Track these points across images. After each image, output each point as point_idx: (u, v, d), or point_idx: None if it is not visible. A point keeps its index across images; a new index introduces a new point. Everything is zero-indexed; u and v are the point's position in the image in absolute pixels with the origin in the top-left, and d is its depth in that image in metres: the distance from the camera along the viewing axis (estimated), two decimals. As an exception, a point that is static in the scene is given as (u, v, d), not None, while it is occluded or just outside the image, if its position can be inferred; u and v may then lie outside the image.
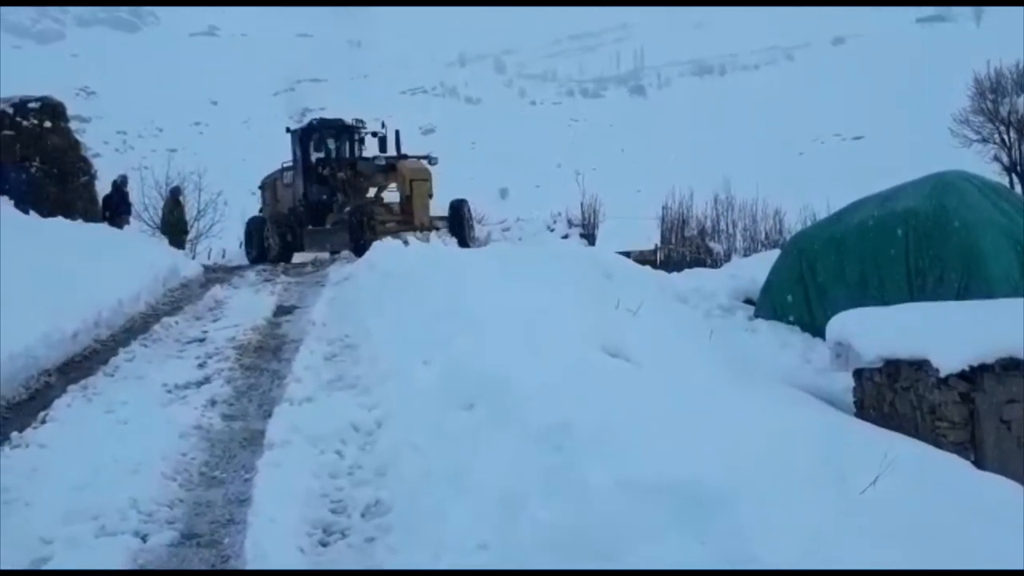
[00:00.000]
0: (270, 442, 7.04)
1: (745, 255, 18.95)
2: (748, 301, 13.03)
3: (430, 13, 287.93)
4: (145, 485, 6.29)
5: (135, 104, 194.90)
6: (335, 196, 22.00)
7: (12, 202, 19.83)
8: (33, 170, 22.81)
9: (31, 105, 24.89)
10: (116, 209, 24.08)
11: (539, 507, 4.87)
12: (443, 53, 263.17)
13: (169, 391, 8.92)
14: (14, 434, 7.42)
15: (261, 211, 25.02)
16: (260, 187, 25.74)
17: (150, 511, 5.95)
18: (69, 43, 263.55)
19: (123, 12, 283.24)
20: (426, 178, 21.04)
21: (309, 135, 23.14)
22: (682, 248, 21.15)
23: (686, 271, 15.75)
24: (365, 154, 23.26)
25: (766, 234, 21.27)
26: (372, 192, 22.24)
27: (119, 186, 24.87)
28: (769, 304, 12.49)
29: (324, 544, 5.54)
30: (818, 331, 10.84)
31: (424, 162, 21.76)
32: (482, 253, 14.86)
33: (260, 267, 20.10)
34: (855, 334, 9.00)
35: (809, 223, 17.36)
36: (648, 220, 22.67)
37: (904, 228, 10.83)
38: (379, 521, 5.70)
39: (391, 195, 21.83)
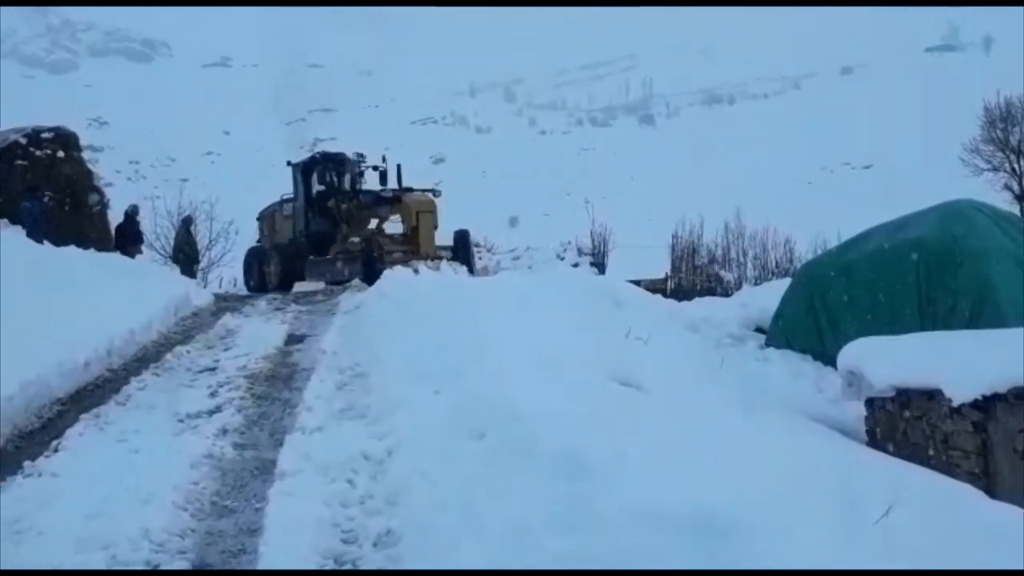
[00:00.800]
0: (281, 471, 7.03)
1: (756, 284, 18.95)
2: (759, 330, 13.01)
3: (441, 43, 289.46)
4: (157, 514, 6.27)
5: (147, 134, 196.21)
6: (338, 227, 22.29)
7: (24, 231, 19.98)
8: (46, 199, 22.94)
9: (44, 135, 25.07)
10: (129, 238, 24.20)
11: (551, 537, 4.86)
12: (453, 83, 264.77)
13: (181, 420, 8.91)
14: (27, 463, 7.43)
15: (259, 242, 25.43)
16: (258, 219, 26.12)
17: (161, 541, 5.94)
18: (82, 73, 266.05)
19: (136, 43, 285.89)
20: (432, 209, 21.36)
21: (311, 168, 23.50)
22: (692, 277, 21.15)
23: (696, 300, 15.76)
24: (365, 187, 23.47)
25: (777, 263, 21.27)
26: (374, 223, 22.64)
27: (131, 215, 25.01)
28: (780, 333, 12.47)
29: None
30: (830, 360, 10.80)
31: (429, 194, 22.03)
32: (493, 282, 14.87)
33: (271, 296, 20.08)
34: (867, 363, 8.97)
35: (820, 252, 17.35)
36: (658, 249, 22.69)
37: (915, 257, 10.82)
38: (390, 551, 5.68)
39: (393, 226, 22.25)
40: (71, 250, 17.14)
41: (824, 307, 11.88)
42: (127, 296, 14.04)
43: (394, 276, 15.81)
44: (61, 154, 24.95)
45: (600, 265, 22.93)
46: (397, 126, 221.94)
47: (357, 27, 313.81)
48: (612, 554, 4.56)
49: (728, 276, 20.95)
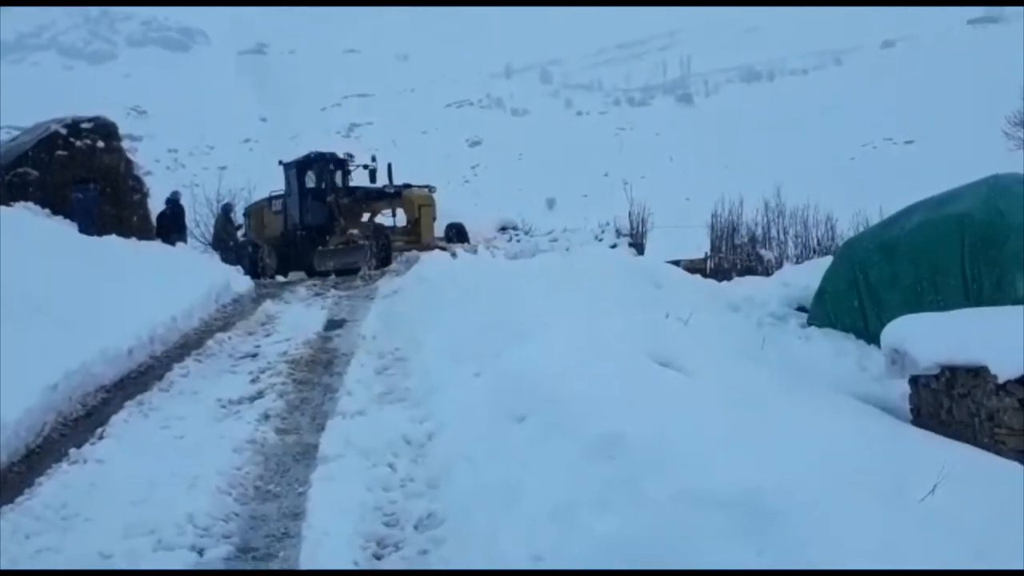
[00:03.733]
0: (323, 455, 7.07)
1: (797, 262, 18.71)
2: (801, 309, 12.87)
3: (476, 25, 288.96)
4: (201, 499, 6.34)
5: (186, 122, 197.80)
6: (335, 221, 24.06)
7: (75, 223, 20.23)
8: (96, 190, 23.20)
9: (84, 125, 25.28)
10: (170, 226, 24.43)
11: (594, 519, 4.84)
12: (489, 65, 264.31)
13: (223, 406, 9.01)
14: (72, 450, 7.54)
15: (245, 235, 26.70)
16: (245, 214, 27.71)
17: (206, 525, 6.00)
18: (121, 63, 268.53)
19: (173, 32, 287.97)
20: (431, 203, 23.69)
21: (305, 168, 25.16)
22: (732, 256, 20.96)
23: (737, 279, 15.60)
24: (352, 184, 25.50)
25: (818, 240, 20.96)
26: (366, 217, 24.60)
27: (173, 203, 25.23)
28: (822, 311, 12.33)
29: (378, 557, 5.55)
30: (873, 338, 10.67)
31: (426, 190, 24.12)
32: (531, 264, 14.85)
33: (310, 282, 20.33)
34: (911, 341, 8.85)
35: (862, 229, 17.10)
36: (697, 228, 22.49)
37: (959, 233, 10.64)
38: (432, 533, 5.70)
39: (384, 219, 24.66)
40: (113, 239, 17.32)
41: (867, 285, 11.72)
42: (168, 283, 14.19)
43: (432, 260, 15.84)
44: (101, 144, 25.17)
45: (639, 246, 22.77)
46: (433, 109, 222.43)
47: (392, 11, 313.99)
48: (658, 536, 4.52)
49: (768, 255, 20.68)
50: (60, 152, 24.24)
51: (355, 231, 23.51)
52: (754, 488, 4.60)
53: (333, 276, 21.36)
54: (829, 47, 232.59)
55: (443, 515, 5.88)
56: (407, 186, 24.14)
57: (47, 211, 21.44)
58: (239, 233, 27.18)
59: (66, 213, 21.59)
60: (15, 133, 29.41)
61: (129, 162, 26.66)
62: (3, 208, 17.04)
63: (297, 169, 25.03)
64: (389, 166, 24.31)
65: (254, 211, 26.99)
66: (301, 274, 23.11)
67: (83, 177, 23.34)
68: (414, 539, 5.70)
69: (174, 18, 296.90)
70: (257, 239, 25.26)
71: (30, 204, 21.37)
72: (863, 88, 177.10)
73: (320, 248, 23.45)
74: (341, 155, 25.73)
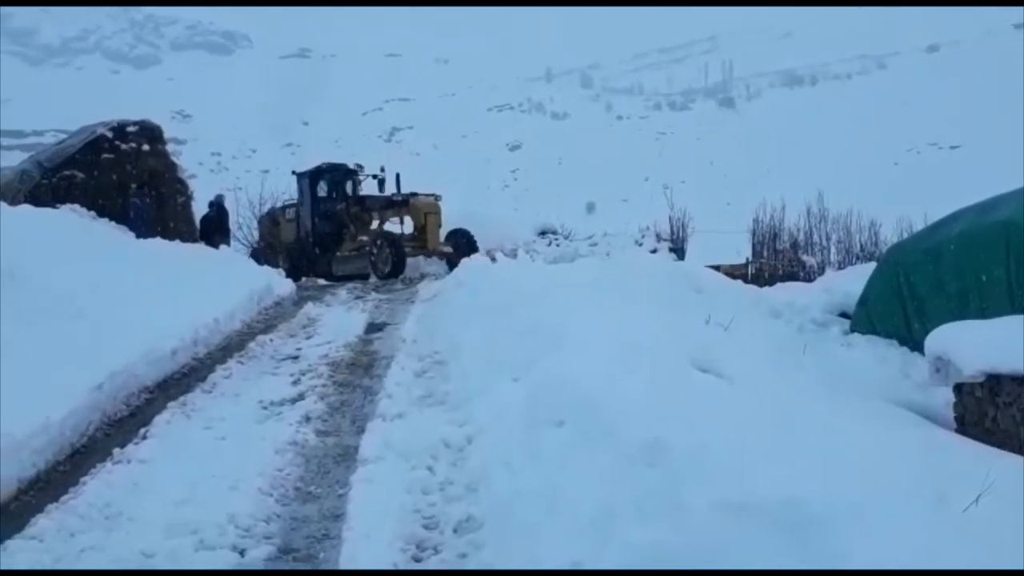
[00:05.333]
0: (363, 458, 7.12)
1: (839, 268, 18.55)
2: (843, 315, 12.74)
3: (516, 29, 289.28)
4: (243, 500, 6.41)
5: (229, 126, 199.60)
6: (345, 228, 25.37)
7: (131, 230, 20.52)
8: (146, 194, 23.52)
9: (130, 128, 25.57)
10: (213, 229, 24.71)
11: (633, 526, 4.82)
12: (529, 69, 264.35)
13: (265, 408, 9.09)
14: (116, 450, 7.64)
15: (259, 242, 27.64)
16: (259, 222, 28.67)
17: (247, 526, 6.06)
18: (165, 67, 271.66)
19: (217, 36, 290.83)
20: (437, 211, 24.54)
21: (317, 177, 26.15)
22: (774, 261, 20.82)
23: (778, 285, 15.49)
24: (363, 193, 26.51)
25: (861, 247, 20.77)
26: (375, 225, 25.53)
27: (217, 206, 25.53)
28: (865, 318, 12.20)
29: (417, 560, 5.57)
30: (916, 345, 10.54)
31: (432, 198, 24.90)
32: (571, 269, 14.84)
33: (351, 285, 20.47)
34: (955, 348, 8.73)
35: (906, 235, 16.93)
36: (739, 234, 22.36)
37: (1004, 239, 10.50)
38: (471, 537, 5.71)
39: (392, 226, 25.41)
40: (157, 241, 17.51)
41: (910, 291, 11.59)
42: (211, 286, 14.33)
43: (471, 265, 15.87)
44: (146, 147, 25.45)
45: (679, 251, 22.70)
46: (473, 113, 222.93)
47: (433, 15, 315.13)
48: (698, 545, 4.49)
49: (811, 260, 20.52)
50: (106, 155, 24.52)
51: (365, 238, 24.75)
52: (796, 497, 4.55)
53: (374, 279, 21.68)
54: (872, 51, 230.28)
55: (482, 519, 5.89)
56: (413, 194, 24.87)
57: (93, 213, 21.72)
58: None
59: (118, 217, 21.88)
60: (61, 136, 29.81)
61: (173, 165, 26.96)
62: (50, 210, 17.29)
63: (309, 179, 26.03)
64: (397, 176, 25.22)
65: (267, 219, 28.02)
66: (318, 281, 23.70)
67: (138, 183, 23.67)
68: (453, 542, 5.72)
69: (218, 22, 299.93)
70: (268, 245, 26.16)
71: (76, 206, 21.65)
72: (907, 93, 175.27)
73: (338, 254, 24.67)
74: (351, 165, 26.77)
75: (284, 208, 27.30)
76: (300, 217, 26.05)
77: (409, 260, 23.44)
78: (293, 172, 27.19)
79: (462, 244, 24.41)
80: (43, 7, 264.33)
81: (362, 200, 25.87)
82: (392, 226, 25.38)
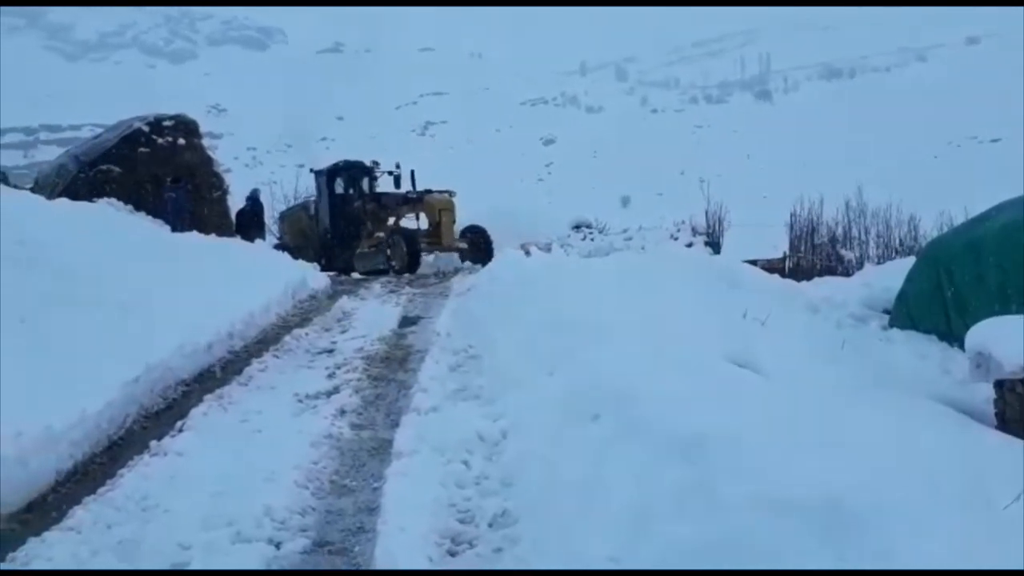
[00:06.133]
0: (398, 451, 7.11)
1: (878, 262, 18.36)
2: (882, 310, 12.60)
3: (551, 22, 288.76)
4: (278, 493, 6.41)
5: (264, 120, 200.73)
6: (362, 225, 25.73)
7: (167, 223, 20.69)
8: (184, 187, 23.69)
9: (166, 123, 25.82)
10: (249, 223, 24.87)
11: (671, 521, 4.78)
12: (564, 63, 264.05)
13: (300, 401, 9.11)
14: (153, 442, 7.68)
15: (280, 239, 27.82)
16: (280, 218, 28.92)
17: (283, 519, 6.06)
18: (201, 62, 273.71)
19: (252, 31, 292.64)
20: (451, 207, 24.99)
21: (335, 175, 26.58)
22: (812, 256, 20.65)
23: (816, 280, 15.34)
24: (379, 190, 26.90)
25: (900, 241, 20.56)
26: (391, 221, 25.73)
27: (253, 200, 25.69)
28: (904, 313, 12.05)
29: (453, 554, 5.56)
30: (956, 341, 10.39)
31: (446, 195, 25.30)
32: (605, 263, 14.77)
33: (385, 279, 20.53)
34: (996, 343, 8.59)
35: (946, 229, 16.72)
36: (776, 227, 22.21)
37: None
38: (507, 532, 5.68)
39: (408, 222, 25.77)
40: (193, 235, 17.62)
41: (951, 286, 11.43)
42: (247, 279, 14.39)
43: (505, 258, 15.84)
44: (182, 141, 25.71)
45: (715, 245, 22.60)
46: (507, 107, 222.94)
47: (467, 9, 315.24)
48: (735, 541, 4.44)
49: (849, 255, 20.33)
50: (142, 149, 24.77)
51: (381, 234, 25.04)
52: (835, 494, 4.49)
53: (407, 274, 21.81)
54: (912, 44, 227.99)
55: (517, 513, 5.86)
56: (428, 191, 25.36)
57: (130, 207, 21.92)
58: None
59: (154, 211, 22.06)
60: (99, 130, 30.15)
61: (209, 159, 27.24)
62: (87, 204, 17.44)
63: (327, 176, 26.46)
64: (412, 172, 25.52)
65: (289, 216, 28.40)
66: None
67: (174, 176, 23.86)
68: (488, 536, 5.70)
69: (253, 17, 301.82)
70: (291, 242, 26.27)
71: (113, 200, 21.89)
72: (947, 85, 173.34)
73: (359, 251, 25.13)
74: (368, 163, 27.21)
75: (304, 205, 27.88)
76: (318, 214, 26.53)
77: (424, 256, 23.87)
78: (311, 170, 27.72)
79: (477, 240, 25.09)
80: (81, 6, 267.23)
81: (378, 197, 26.29)
82: (408, 222, 25.82)
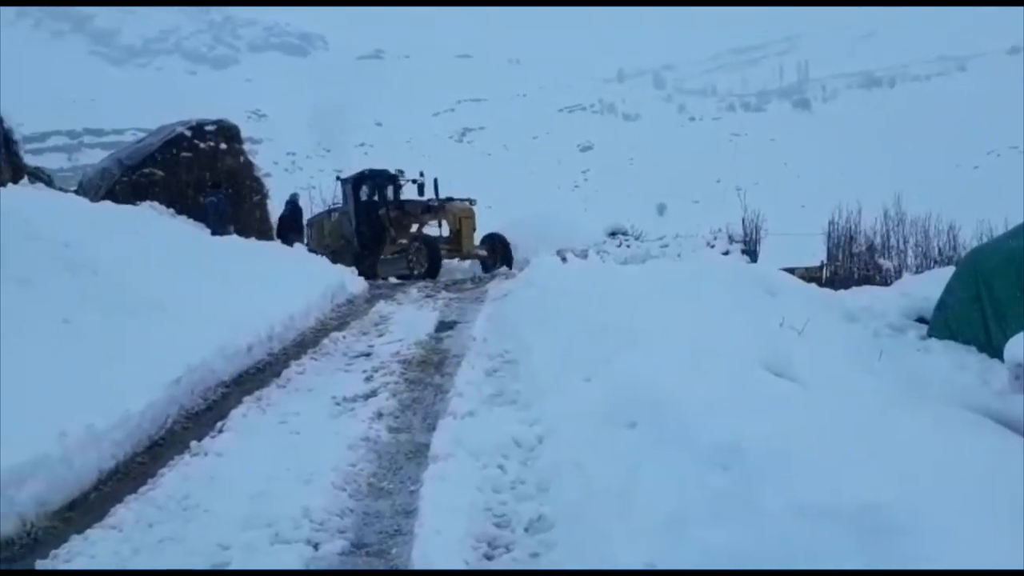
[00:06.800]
0: (434, 455, 7.15)
1: (917, 272, 18.19)
2: (920, 320, 12.49)
3: (589, 29, 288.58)
4: (316, 494, 6.47)
5: (304, 126, 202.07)
6: (386, 231, 26.31)
7: (207, 226, 20.92)
8: (224, 192, 23.94)
9: (208, 128, 26.10)
10: (289, 227, 25.10)
11: (707, 528, 4.78)
12: (601, 70, 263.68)
13: (338, 403, 9.19)
14: (193, 443, 7.79)
15: (307, 244, 27.88)
16: (308, 224, 29.03)
17: (321, 520, 6.12)
18: (243, 68, 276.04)
19: (293, 38, 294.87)
20: (471, 216, 25.74)
21: (360, 183, 27.18)
22: (849, 265, 20.49)
23: (854, 289, 15.24)
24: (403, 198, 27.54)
25: (939, 250, 20.34)
26: (414, 228, 26.42)
27: (292, 205, 25.93)
28: (943, 323, 11.94)
29: (489, 558, 5.58)
30: (996, 352, 10.29)
31: (467, 203, 26.16)
32: (642, 270, 14.76)
33: (421, 283, 20.64)
34: (1036, 355, 8.52)
35: (986, 239, 16.55)
36: (813, 236, 22.05)
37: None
38: (543, 536, 5.71)
39: (430, 229, 26.36)
40: (233, 239, 17.81)
41: (990, 296, 11.31)
42: (286, 283, 14.52)
43: (541, 264, 15.87)
44: (223, 146, 25.98)
45: (752, 253, 22.46)
46: (545, 114, 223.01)
47: (505, 16, 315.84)
48: (773, 548, 4.43)
49: (887, 264, 20.14)
50: (184, 154, 25.06)
51: (404, 241, 25.75)
52: (874, 503, 4.47)
53: (444, 279, 22.04)
54: (953, 53, 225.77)
55: (553, 519, 5.88)
56: (449, 199, 26.19)
57: (171, 210, 22.17)
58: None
59: (196, 215, 22.30)
60: (141, 135, 30.52)
61: (250, 164, 27.53)
62: (130, 207, 17.68)
63: (353, 184, 27.02)
64: (435, 180, 26.02)
65: (315, 222, 28.74)
66: None
67: (214, 181, 24.13)
68: (524, 541, 5.72)
69: (294, 24, 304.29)
70: (318, 248, 26.55)
71: (155, 203, 22.15)
72: (988, 95, 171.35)
73: (383, 257, 25.77)
74: (392, 171, 27.75)
75: (330, 212, 28.27)
76: (344, 221, 27.04)
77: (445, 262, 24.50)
78: (337, 178, 28.16)
79: (496, 247, 26.05)
80: (125, 8, 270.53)
81: (402, 204, 26.87)
82: (431, 229, 26.30)
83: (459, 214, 25.51)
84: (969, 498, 4.70)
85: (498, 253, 25.96)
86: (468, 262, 26.42)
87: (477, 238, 26.16)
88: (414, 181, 26.72)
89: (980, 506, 4.64)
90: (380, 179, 27.48)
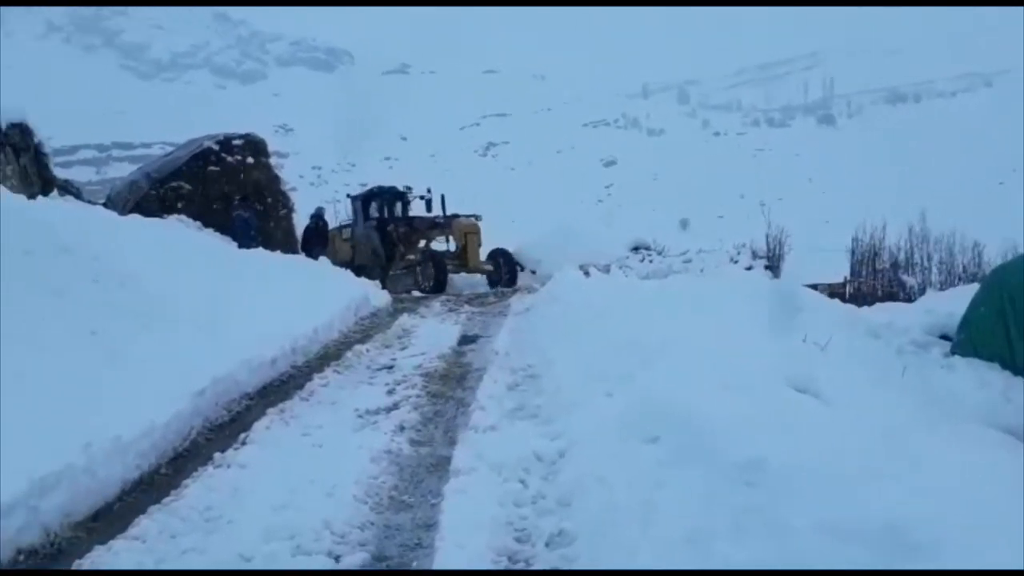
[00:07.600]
0: (456, 469, 7.16)
1: (941, 289, 18.08)
2: (944, 337, 12.41)
3: (614, 45, 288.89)
4: (338, 507, 6.50)
5: (329, 140, 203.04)
6: (394, 247, 26.72)
7: (236, 241, 21.07)
8: (252, 207, 24.12)
9: (235, 142, 26.28)
10: (314, 241, 25.25)
11: (731, 544, 4.75)
12: (626, 85, 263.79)
13: (360, 416, 9.22)
14: (216, 454, 7.83)
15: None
16: None
17: (343, 532, 6.14)
18: (271, 82, 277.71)
19: (320, 52, 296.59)
20: (477, 231, 26.62)
21: (370, 199, 28.00)
22: (873, 281, 20.38)
23: (877, 305, 15.16)
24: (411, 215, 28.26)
25: (964, 267, 20.21)
26: (422, 244, 27.12)
27: (318, 218, 26.09)
28: (967, 340, 11.85)
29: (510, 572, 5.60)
30: (1020, 369, 10.22)
31: (473, 219, 27.09)
32: (664, 285, 14.74)
33: (444, 297, 20.70)
34: (1060, 372, 8.48)
35: (1010, 256, 16.44)
36: (837, 252, 21.96)
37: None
38: (564, 551, 5.70)
39: (438, 245, 27.18)
40: (260, 252, 17.93)
41: (1015, 314, 11.22)
42: (311, 296, 14.61)
43: (564, 279, 15.88)
44: (251, 160, 26.15)
45: (775, 268, 22.38)
46: (569, 129, 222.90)
47: (531, 30, 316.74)
48: (797, 565, 4.40)
49: (911, 281, 20.03)
50: (212, 167, 25.24)
51: (412, 257, 26.45)
52: (899, 521, 4.45)
53: (466, 292, 22.18)
54: (979, 69, 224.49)
55: (575, 534, 5.87)
56: (455, 216, 27.09)
57: (198, 223, 22.34)
58: None
59: (223, 228, 22.45)
60: (169, 148, 30.77)
61: (276, 178, 27.72)
62: (158, 220, 17.82)
63: (362, 201, 27.85)
64: (443, 197, 26.80)
65: (329, 237, 28.92)
66: None
67: (243, 195, 24.31)
68: (545, 556, 5.72)
69: (321, 39, 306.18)
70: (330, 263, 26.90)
71: (183, 216, 22.33)
72: (1014, 111, 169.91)
73: (392, 272, 26.13)
74: (400, 188, 28.76)
75: (341, 228, 29.01)
76: (355, 237, 27.71)
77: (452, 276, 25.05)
78: (348, 195, 28.91)
79: (501, 263, 26.67)
80: (154, 22, 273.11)
81: (410, 221, 27.53)
82: (439, 245, 27.02)
83: (465, 230, 26.33)
84: (993, 517, 4.67)
85: (503, 268, 26.54)
86: (479, 276, 26.92)
87: (483, 253, 26.75)
88: (421, 197, 27.44)
89: (1004, 525, 4.61)
90: (389, 196, 28.21)
